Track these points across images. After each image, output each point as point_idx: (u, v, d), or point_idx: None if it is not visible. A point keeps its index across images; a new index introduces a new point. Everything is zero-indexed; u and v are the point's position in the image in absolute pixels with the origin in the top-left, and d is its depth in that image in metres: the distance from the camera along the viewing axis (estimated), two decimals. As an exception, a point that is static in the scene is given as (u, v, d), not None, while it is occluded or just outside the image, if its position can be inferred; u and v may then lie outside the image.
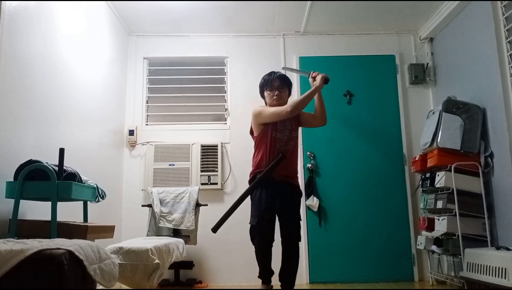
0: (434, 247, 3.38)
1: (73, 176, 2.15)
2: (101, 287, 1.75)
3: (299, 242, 2.58)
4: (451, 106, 3.36)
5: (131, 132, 3.98)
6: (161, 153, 3.94)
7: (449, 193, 3.17)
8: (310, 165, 3.92)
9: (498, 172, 3.11)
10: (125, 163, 3.99)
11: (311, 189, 3.87)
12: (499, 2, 3.08)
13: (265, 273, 2.59)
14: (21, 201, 2.03)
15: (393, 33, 4.22)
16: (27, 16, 2.37)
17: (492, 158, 3.17)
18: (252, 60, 4.19)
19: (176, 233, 3.58)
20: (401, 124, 4.04)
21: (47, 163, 2.10)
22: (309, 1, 3.64)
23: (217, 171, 3.91)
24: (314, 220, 3.87)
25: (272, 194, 2.54)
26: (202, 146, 3.95)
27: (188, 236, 3.56)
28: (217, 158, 3.93)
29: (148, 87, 4.20)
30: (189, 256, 3.52)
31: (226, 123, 4.11)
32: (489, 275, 2.58)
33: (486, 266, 2.62)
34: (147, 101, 4.17)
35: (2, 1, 2.14)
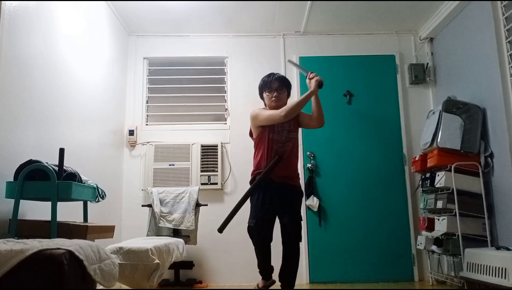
0: (434, 247, 3.38)
1: (73, 176, 2.15)
2: (101, 287, 1.75)
3: (300, 242, 2.59)
4: (451, 106, 3.36)
5: (131, 132, 3.98)
6: (161, 153, 3.94)
7: (449, 193, 3.17)
8: (310, 165, 3.92)
9: (498, 172, 3.11)
10: (125, 163, 3.99)
11: (311, 189, 3.87)
12: (499, 2, 3.08)
13: (265, 271, 2.65)
14: (21, 201, 2.03)
15: (393, 33, 4.22)
16: (27, 16, 2.37)
17: (492, 158, 3.17)
18: (252, 60, 4.19)
19: (176, 233, 3.58)
20: (401, 124, 4.04)
21: (47, 163, 2.10)
22: (309, 1, 3.64)
23: (217, 171, 3.91)
24: (314, 220, 3.87)
25: (271, 195, 2.56)
26: (202, 146, 3.95)
27: (188, 236, 3.56)
28: (217, 158, 3.93)
29: (148, 87, 4.20)
30: (189, 256, 3.52)
31: (226, 123, 4.11)
32: (489, 275, 2.58)
33: (486, 266, 2.62)
34: (147, 101, 4.17)
35: (2, 1, 2.14)
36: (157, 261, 2.40)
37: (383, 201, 3.90)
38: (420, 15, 3.91)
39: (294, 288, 2.59)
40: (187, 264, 3.60)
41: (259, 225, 2.52)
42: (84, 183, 2.29)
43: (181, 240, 3.19)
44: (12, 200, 2.01)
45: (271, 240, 2.56)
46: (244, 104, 3.97)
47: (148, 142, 3.99)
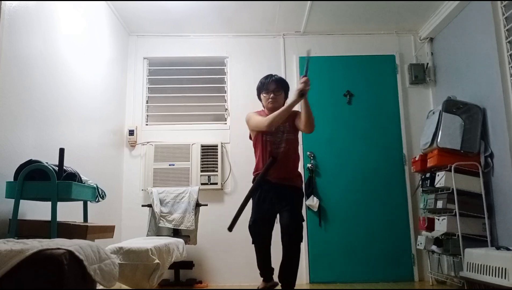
0: (434, 247, 3.38)
1: (73, 176, 2.15)
2: (101, 287, 1.75)
3: (300, 243, 2.59)
4: (451, 106, 3.36)
5: (131, 132, 3.98)
6: (161, 153, 3.94)
7: (449, 193, 3.17)
8: (310, 165, 3.93)
9: (498, 172, 3.11)
10: (125, 163, 3.99)
11: (311, 189, 3.87)
12: (499, 2, 3.08)
13: (265, 271, 2.65)
14: (21, 201, 2.03)
15: (393, 33, 4.22)
16: (27, 16, 2.37)
17: (492, 158, 3.17)
18: (252, 60, 4.19)
19: (176, 233, 3.58)
20: (401, 124, 4.04)
21: (47, 163, 2.10)
22: (309, 1, 3.64)
23: (217, 171, 3.91)
24: (314, 220, 3.87)
25: (269, 196, 2.58)
26: (202, 146, 3.95)
27: (188, 236, 3.56)
28: (217, 158, 3.93)
29: (148, 87, 4.20)
30: (189, 256, 3.52)
31: (226, 123, 4.11)
32: (489, 275, 2.58)
33: (486, 266, 2.62)
34: (147, 101, 4.17)
35: (2, 1, 2.14)
36: (157, 261, 2.41)
37: (383, 201, 3.90)
38: (420, 15, 3.91)
39: (294, 288, 2.59)
40: (187, 264, 3.60)
41: (257, 225, 2.56)
42: (84, 183, 2.29)
43: (181, 240, 3.19)
44: (12, 200, 2.01)
45: (269, 240, 2.57)
46: (244, 104, 3.97)
47: (148, 142, 3.99)
